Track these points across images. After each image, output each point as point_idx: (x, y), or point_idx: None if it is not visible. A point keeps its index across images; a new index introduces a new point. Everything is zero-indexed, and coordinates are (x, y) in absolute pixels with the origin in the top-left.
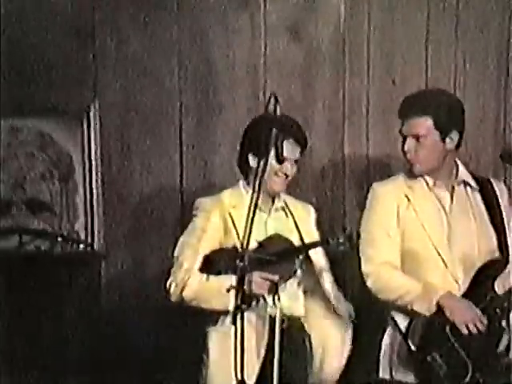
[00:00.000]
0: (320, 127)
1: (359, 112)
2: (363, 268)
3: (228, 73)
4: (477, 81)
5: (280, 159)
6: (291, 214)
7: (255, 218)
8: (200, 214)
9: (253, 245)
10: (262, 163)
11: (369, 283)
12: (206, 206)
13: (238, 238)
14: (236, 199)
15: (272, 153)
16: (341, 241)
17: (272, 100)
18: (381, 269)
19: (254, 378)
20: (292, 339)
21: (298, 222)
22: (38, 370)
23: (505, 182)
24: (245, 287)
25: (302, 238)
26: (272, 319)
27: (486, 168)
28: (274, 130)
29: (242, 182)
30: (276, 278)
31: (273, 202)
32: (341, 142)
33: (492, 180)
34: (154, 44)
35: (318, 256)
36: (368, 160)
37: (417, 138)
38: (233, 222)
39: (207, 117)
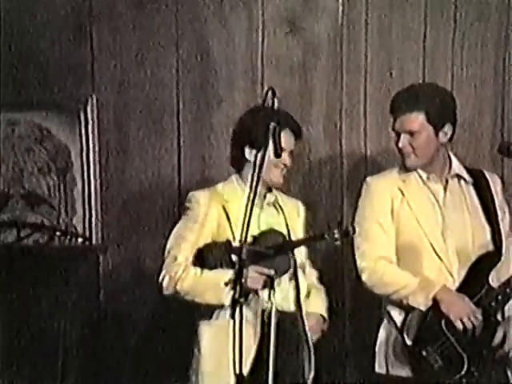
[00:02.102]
0: (317, 121)
1: (357, 106)
2: (358, 263)
3: (226, 67)
4: (474, 73)
5: (279, 153)
6: (281, 209)
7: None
8: (193, 207)
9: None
10: (259, 156)
11: (364, 278)
12: (199, 200)
13: (232, 231)
14: (229, 193)
15: (271, 146)
16: (336, 236)
17: (270, 94)
18: (376, 264)
19: (246, 373)
20: (284, 334)
21: (288, 218)
22: (35, 362)
23: (502, 175)
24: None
25: (289, 235)
26: (264, 314)
27: (484, 161)
28: (273, 123)
29: (234, 176)
30: (272, 272)
31: (264, 196)
32: (338, 136)
33: (485, 172)
34: (151, 38)
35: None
36: (365, 154)
37: (411, 133)
38: (227, 215)
39: (205, 111)
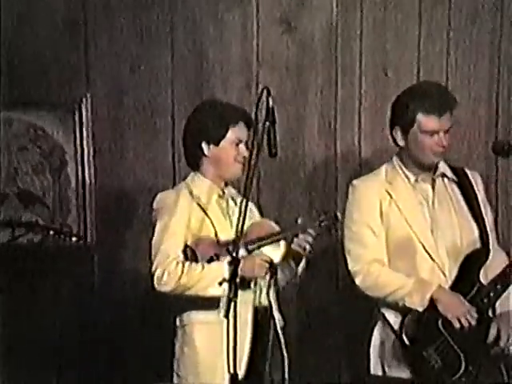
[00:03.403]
0: (312, 121)
1: (352, 105)
2: (350, 267)
3: (220, 66)
4: (469, 72)
5: (274, 152)
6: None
7: (218, 207)
8: (171, 205)
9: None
10: (254, 155)
11: (358, 281)
12: (176, 198)
13: (213, 226)
14: (198, 190)
15: (226, 142)
16: (324, 222)
17: (264, 93)
18: (370, 267)
19: (243, 370)
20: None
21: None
22: (32, 361)
23: (497, 174)
24: (241, 270)
25: None
26: (258, 309)
27: (478, 161)
28: (267, 122)
29: (194, 174)
30: (277, 258)
31: (223, 191)
32: (333, 136)
33: (467, 170)
34: (146, 37)
35: None
36: (360, 153)
37: (445, 132)
38: (204, 212)
39: None
